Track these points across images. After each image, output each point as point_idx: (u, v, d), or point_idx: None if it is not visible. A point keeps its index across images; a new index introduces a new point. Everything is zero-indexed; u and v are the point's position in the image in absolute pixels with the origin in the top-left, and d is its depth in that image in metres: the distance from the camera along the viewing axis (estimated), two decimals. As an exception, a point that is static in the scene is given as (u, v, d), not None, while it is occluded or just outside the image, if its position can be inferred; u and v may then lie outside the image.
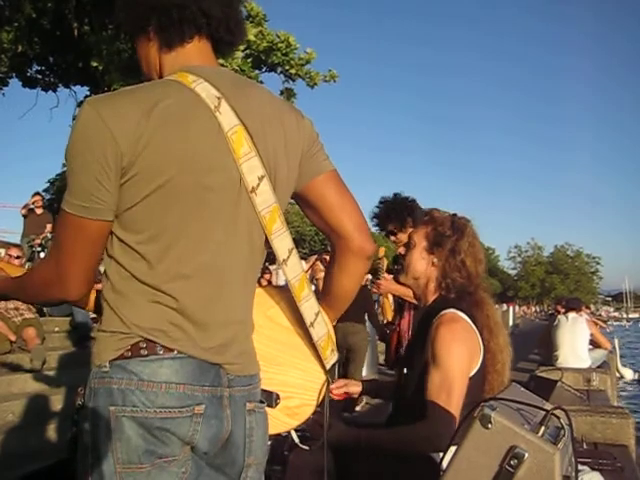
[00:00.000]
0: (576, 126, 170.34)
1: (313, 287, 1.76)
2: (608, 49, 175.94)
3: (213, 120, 1.37)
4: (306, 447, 1.89)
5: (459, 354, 2.15)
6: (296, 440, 1.86)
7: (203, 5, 1.43)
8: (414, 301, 4.18)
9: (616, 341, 12.87)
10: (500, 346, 2.34)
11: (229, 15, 1.48)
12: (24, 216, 11.52)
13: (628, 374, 13.18)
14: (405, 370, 2.39)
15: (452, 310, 2.25)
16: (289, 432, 1.78)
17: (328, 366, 1.66)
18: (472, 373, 2.19)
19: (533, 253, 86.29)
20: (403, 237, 4.42)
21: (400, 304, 4.55)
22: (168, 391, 1.30)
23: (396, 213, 4.37)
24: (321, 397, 1.66)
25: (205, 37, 1.48)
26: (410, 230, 4.34)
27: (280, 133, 1.47)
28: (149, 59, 1.51)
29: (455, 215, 2.50)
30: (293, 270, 1.54)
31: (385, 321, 8.83)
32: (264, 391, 1.56)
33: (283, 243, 1.50)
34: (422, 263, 2.45)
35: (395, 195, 4.48)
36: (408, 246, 2.52)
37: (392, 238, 4.41)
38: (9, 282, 1.54)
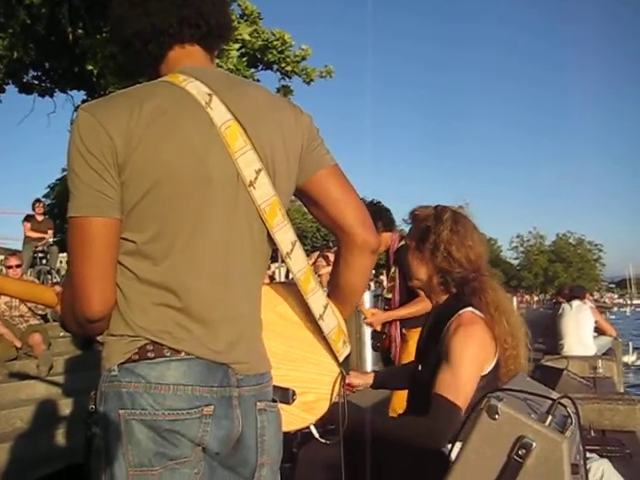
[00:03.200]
0: (576, 116, 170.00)
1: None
2: (612, 42, 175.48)
3: (205, 116, 1.38)
4: (325, 441, 1.89)
5: (472, 357, 2.13)
6: (316, 435, 1.86)
7: (173, 15, 1.44)
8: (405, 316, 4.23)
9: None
10: (505, 330, 2.25)
11: (202, 8, 1.47)
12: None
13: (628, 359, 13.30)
14: (419, 367, 2.37)
15: (470, 309, 2.23)
16: (309, 427, 1.78)
17: (341, 358, 1.65)
18: (486, 372, 2.17)
19: (535, 242, 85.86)
20: None
21: (386, 310, 4.56)
22: (176, 393, 1.30)
23: None
24: (336, 390, 1.65)
25: (187, 41, 1.49)
26: (382, 234, 4.36)
27: (277, 128, 1.47)
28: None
29: (438, 206, 2.46)
30: (298, 263, 1.54)
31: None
32: (279, 388, 1.56)
33: (286, 236, 1.49)
34: (416, 263, 2.43)
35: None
36: (408, 249, 2.51)
37: None
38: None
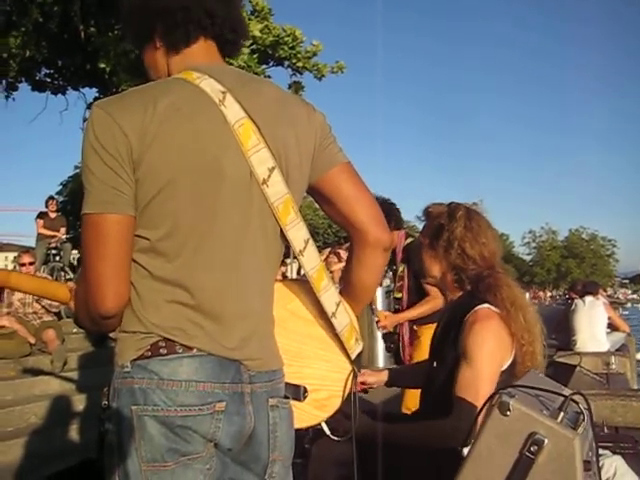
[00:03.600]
0: (587, 114, 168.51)
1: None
2: (616, 41, 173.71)
3: (218, 114, 1.38)
4: (337, 438, 1.89)
5: (492, 352, 2.13)
6: (327, 432, 1.86)
7: (206, 5, 1.45)
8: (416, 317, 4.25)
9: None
10: (522, 326, 2.24)
11: (231, 14, 1.50)
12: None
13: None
14: (435, 364, 2.35)
15: (486, 305, 2.22)
16: (320, 424, 1.78)
17: (353, 356, 1.65)
18: (505, 367, 2.17)
19: (548, 238, 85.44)
20: None
21: (397, 309, 4.57)
22: (188, 389, 1.31)
23: None
24: (348, 388, 1.65)
25: (210, 37, 1.50)
26: (394, 233, 4.37)
27: (289, 126, 1.47)
28: (157, 66, 1.53)
29: (451, 203, 2.45)
30: (310, 261, 1.54)
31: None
32: (291, 385, 1.56)
33: (299, 234, 1.50)
34: (429, 261, 2.42)
35: None
36: (421, 247, 2.51)
37: None
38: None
